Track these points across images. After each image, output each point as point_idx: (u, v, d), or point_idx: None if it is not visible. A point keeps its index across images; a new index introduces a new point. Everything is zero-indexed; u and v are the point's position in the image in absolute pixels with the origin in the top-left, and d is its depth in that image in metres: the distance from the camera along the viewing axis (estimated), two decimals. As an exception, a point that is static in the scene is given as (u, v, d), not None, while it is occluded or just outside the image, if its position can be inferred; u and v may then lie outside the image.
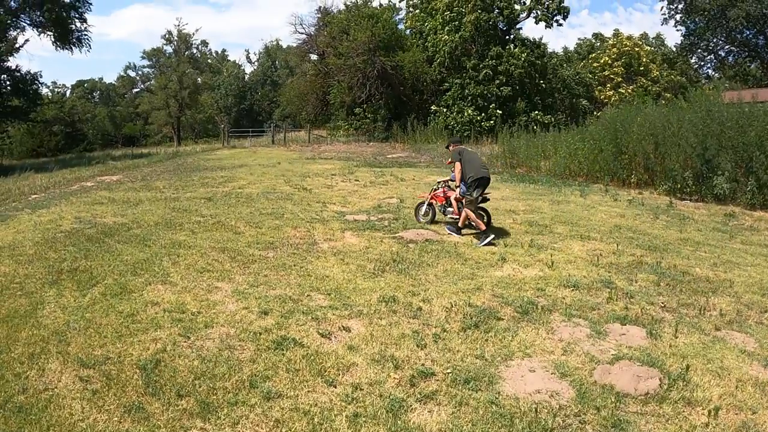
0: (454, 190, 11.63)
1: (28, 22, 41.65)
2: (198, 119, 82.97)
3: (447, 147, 12.77)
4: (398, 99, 41.63)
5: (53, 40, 42.07)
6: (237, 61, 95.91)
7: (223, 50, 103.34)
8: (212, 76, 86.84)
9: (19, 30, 41.66)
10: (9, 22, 39.75)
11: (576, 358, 6.11)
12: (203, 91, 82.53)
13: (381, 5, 48.53)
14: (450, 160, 11.85)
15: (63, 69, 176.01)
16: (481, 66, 38.17)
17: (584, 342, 6.48)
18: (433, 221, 12.20)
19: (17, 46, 40.45)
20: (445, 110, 38.53)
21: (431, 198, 12.37)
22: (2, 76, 40.33)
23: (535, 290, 8.04)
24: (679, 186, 17.35)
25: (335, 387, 5.46)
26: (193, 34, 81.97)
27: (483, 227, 10.82)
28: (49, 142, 67.83)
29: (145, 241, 10.55)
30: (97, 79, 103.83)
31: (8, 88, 40.84)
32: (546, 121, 36.25)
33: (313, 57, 51.78)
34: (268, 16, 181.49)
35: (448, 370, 5.69)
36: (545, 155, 23.72)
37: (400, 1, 48.55)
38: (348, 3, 47.69)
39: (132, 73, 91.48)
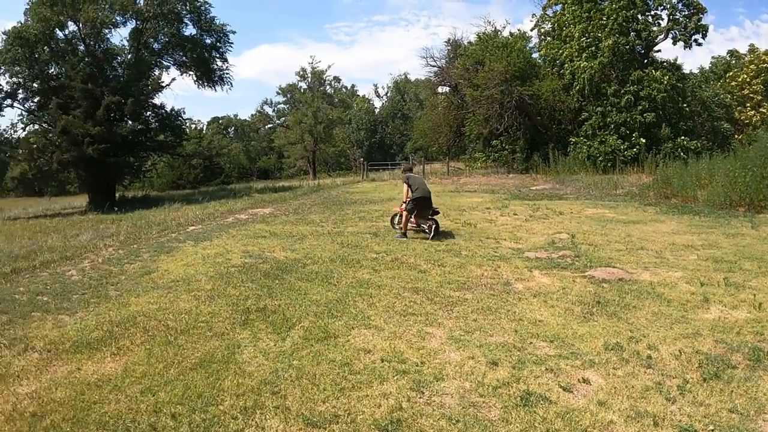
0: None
1: (171, 62, 43.98)
2: (331, 153, 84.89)
3: (403, 172, 16.75)
4: (535, 129, 40.92)
5: (195, 79, 44.20)
6: (366, 96, 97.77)
7: (353, 85, 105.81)
8: (343, 110, 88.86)
9: (163, 69, 43.96)
10: (153, 62, 41.96)
11: (828, 407, 5.66)
12: (336, 125, 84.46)
13: (511, 34, 48.29)
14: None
15: (196, 107, 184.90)
16: (622, 92, 37.08)
17: (828, 390, 6.00)
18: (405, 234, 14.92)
19: (163, 84, 42.54)
20: (584, 140, 37.57)
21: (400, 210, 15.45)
22: (148, 113, 42.46)
23: (754, 334, 7.54)
24: None
25: (604, 450, 5.09)
26: (326, 70, 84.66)
27: (404, 231, 14.68)
28: (188, 175, 71.60)
29: (327, 278, 10.52)
30: (232, 116, 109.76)
31: (156, 124, 43.00)
32: (692, 147, 34.92)
33: (445, 89, 51.90)
34: (391, 51, 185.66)
35: (710, 427, 5.33)
36: (700, 184, 22.72)
37: (531, 30, 48.12)
38: (480, 34, 47.69)
39: (268, 109, 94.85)
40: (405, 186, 14.79)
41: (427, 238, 14.24)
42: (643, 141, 35.37)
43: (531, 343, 7.29)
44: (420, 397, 5.95)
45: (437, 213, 15.38)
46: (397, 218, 15.84)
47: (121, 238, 16.46)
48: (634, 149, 35.16)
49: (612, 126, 36.72)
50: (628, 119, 36.27)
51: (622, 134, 36.34)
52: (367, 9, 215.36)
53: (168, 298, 9.55)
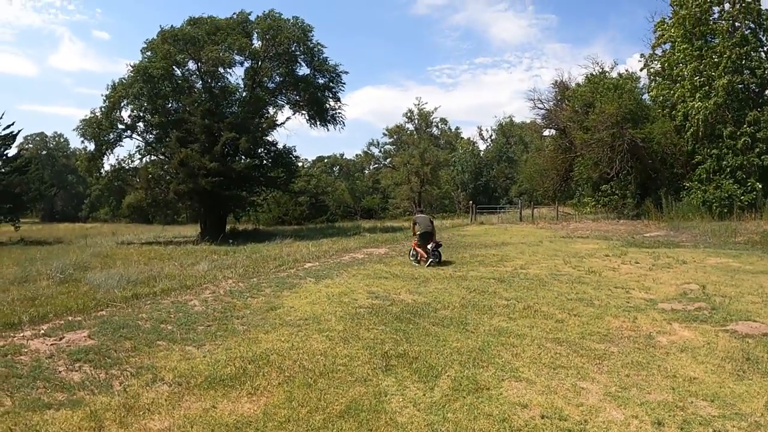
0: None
1: (285, 101, 45.51)
2: (435, 194, 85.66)
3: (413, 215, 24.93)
4: (646, 173, 39.93)
5: (308, 118, 45.38)
6: (471, 138, 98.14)
7: (457, 128, 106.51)
8: (449, 152, 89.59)
9: (277, 108, 45.47)
10: (267, 100, 43.36)
11: None
12: (442, 167, 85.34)
13: (620, 75, 47.51)
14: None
15: (302, 146, 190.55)
16: (738, 133, 35.73)
17: None
18: (418, 261, 18.74)
19: (278, 122, 43.85)
20: (698, 185, 36.30)
21: (414, 246, 19.39)
22: (261, 150, 43.84)
23: None
24: None
25: None
26: (433, 112, 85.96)
27: (424, 258, 18.47)
28: (294, 211, 73.41)
29: (464, 325, 10.50)
30: (338, 155, 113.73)
31: (269, 160, 44.30)
32: (811, 193, 33.50)
33: (551, 132, 51.55)
34: (494, 93, 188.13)
35: None
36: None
37: (640, 70, 47.08)
38: (589, 75, 47.19)
39: (375, 150, 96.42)
40: (413, 225, 19.90)
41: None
42: (760, 186, 34.11)
43: (692, 402, 7.07)
44: (592, 460, 5.68)
45: (440, 245, 19.12)
46: (412, 251, 19.44)
47: (239, 270, 16.96)
48: (752, 194, 33.96)
49: (728, 170, 35.48)
50: (745, 162, 35.05)
51: (738, 179, 35.10)
52: (470, 51, 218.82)
53: (299, 336, 9.63)
